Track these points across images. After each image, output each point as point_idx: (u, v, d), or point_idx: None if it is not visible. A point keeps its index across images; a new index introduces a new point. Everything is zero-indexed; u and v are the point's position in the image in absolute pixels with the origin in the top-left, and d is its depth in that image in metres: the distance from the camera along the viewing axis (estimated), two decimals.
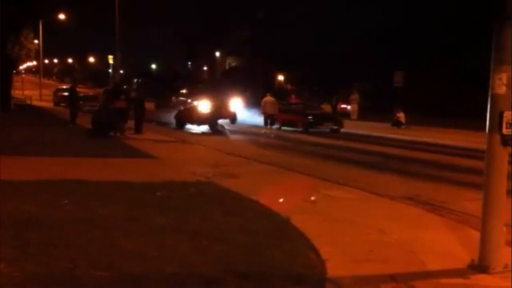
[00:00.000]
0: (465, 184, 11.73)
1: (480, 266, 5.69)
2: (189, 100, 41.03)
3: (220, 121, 27.32)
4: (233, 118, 28.37)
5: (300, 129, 28.48)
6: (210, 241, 6.34)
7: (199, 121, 26.84)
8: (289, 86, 57.25)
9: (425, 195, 10.45)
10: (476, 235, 6.01)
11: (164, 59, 78.01)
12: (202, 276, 5.22)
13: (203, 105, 27.17)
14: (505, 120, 5.60)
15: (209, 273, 5.28)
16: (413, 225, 7.78)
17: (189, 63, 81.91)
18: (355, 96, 40.66)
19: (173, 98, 51.05)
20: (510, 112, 5.63)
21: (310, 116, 29.01)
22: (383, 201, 9.62)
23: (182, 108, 30.89)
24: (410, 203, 9.65)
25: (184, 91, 51.95)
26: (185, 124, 27.79)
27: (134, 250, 5.91)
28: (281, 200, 9.06)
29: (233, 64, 77.76)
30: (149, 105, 33.04)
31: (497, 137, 5.65)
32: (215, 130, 26.24)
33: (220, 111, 27.46)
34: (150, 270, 5.33)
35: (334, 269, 5.62)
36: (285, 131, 28.75)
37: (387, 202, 9.55)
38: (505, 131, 5.61)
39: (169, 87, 56.78)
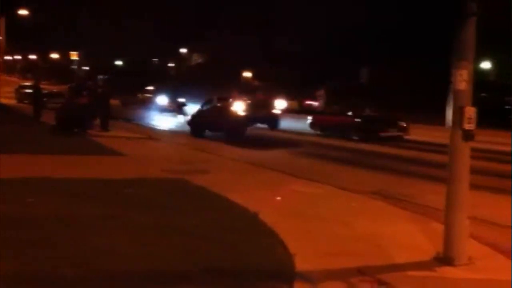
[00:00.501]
0: (431, 178, 11.94)
1: (445, 259, 5.82)
2: (160, 96, 40.40)
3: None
4: (274, 121, 21.90)
5: (355, 138, 21.43)
6: (183, 237, 6.38)
7: (229, 127, 20.70)
8: (256, 83, 57.24)
9: (391, 189, 10.62)
10: (441, 228, 6.15)
11: (129, 56, 77.23)
12: (177, 272, 5.27)
13: (237, 105, 20.90)
14: (466, 115, 5.74)
15: (184, 269, 5.33)
16: (380, 219, 7.92)
17: (155, 59, 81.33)
18: (320, 92, 40.92)
19: (139, 94, 50.62)
20: (471, 108, 5.78)
21: (366, 119, 22.03)
22: (351, 196, 9.75)
23: (203, 108, 23.57)
24: (377, 197, 9.81)
25: (151, 87, 51.51)
26: (204, 131, 22.16)
27: (110, 247, 5.91)
28: (249, 195, 9.11)
29: (199, 60, 77.51)
30: (115, 102, 32.74)
31: (459, 132, 5.80)
32: (239, 137, 20.25)
33: (257, 112, 21.32)
34: (127, 268, 5.33)
35: (303, 263, 5.68)
36: (327, 136, 22.86)
37: (354, 197, 9.68)
38: (466, 126, 5.76)
39: (135, 83, 56.28)
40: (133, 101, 47.76)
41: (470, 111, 5.76)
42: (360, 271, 5.53)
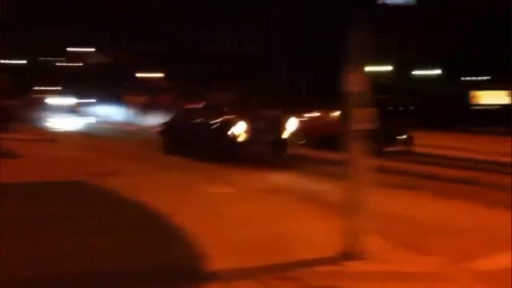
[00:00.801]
0: (334, 176, 12.26)
1: (349, 254, 6.06)
2: (59, 97, 39.04)
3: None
4: (280, 146, 15.75)
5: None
6: (95, 239, 6.30)
7: (222, 149, 14.95)
8: (164, 83, 56.53)
9: (298, 187, 10.87)
10: (345, 224, 6.36)
11: (30, 56, 74.04)
12: (85, 273, 5.21)
13: (239, 126, 14.93)
14: (356, 116, 6.04)
15: (93, 271, 5.28)
16: (288, 217, 8.14)
17: (58, 59, 78.45)
18: (224, 95, 40.93)
19: (37, 95, 48.77)
20: (361, 109, 6.06)
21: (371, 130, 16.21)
22: (260, 195, 9.92)
23: (180, 117, 18.00)
24: (284, 195, 10.00)
25: (50, 88, 49.71)
26: (183, 149, 16.06)
27: (19, 251, 5.83)
28: (162, 197, 9.07)
29: (100, 59, 75.61)
30: (13, 103, 31.42)
31: (351, 132, 6.08)
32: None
33: (263, 135, 15.38)
34: (29, 271, 5.21)
35: (215, 262, 5.76)
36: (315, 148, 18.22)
37: (263, 196, 9.85)
38: (356, 126, 6.06)
39: (34, 84, 54.19)
40: (32, 101, 46.02)
41: (361, 112, 6.05)
42: (270, 269, 5.66)
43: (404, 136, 18.15)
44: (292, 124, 16.11)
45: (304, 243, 6.73)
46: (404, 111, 27.99)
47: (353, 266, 5.88)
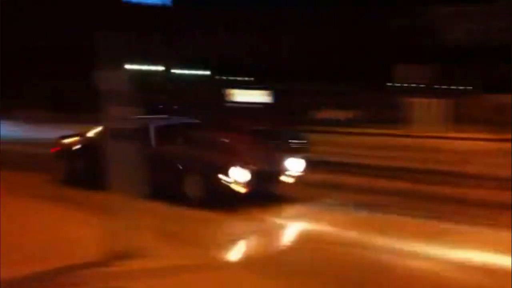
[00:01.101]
0: None
1: (123, 254, 6.12)
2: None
3: None
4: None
5: None
6: None
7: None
8: None
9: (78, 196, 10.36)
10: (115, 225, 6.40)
11: None
12: None
13: (235, 173, 8.95)
14: (113, 115, 6.24)
15: None
16: (65, 224, 7.90)
17: None
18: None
19: None
20: (119, 108, 6.23)
21: (266, 135, 14.68)
22: (34, 202, 9.43)
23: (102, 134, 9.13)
24: (56, 203, 9.56)
25: None
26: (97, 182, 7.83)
27: None
28: None
29: None
30: None
31: (110, 131, 6.36)
32: None
33: (263, 181, 9.60)
34: None
35: None
36: None
37: (48, 205, 9.28)
38: (113, 125, 6.29)
39: None
40: None
41: (118, 111, 6.22)
42: (42, 276, 5.55)
43: (303, 142, 16.02)
44: (297, 165, 10.16)
45: (81, 247, 6.61)
46: (166, 109, 28.65)
47: (126, 265, 5.97)
